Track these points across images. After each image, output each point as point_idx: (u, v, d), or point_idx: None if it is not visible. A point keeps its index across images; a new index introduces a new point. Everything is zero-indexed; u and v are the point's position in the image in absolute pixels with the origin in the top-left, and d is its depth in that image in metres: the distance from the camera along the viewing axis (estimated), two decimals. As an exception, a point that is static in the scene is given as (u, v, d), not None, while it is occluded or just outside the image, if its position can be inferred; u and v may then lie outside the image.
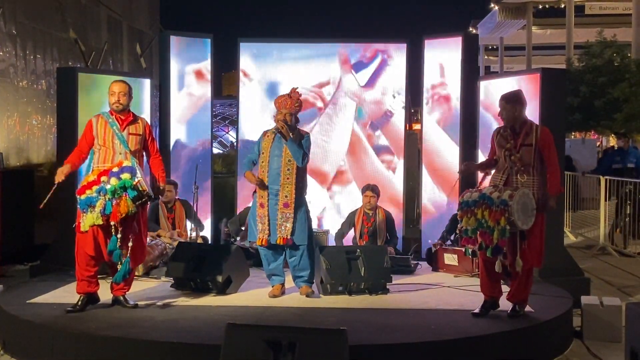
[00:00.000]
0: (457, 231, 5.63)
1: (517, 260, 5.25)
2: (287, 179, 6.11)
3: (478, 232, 5.28)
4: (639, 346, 4.15)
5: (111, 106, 5.57)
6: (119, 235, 5.34)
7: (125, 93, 5.57)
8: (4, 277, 7.74)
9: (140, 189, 5.32)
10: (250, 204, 8.14)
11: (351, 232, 7.88)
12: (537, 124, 5.59)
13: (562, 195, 6.86)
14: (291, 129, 6.11)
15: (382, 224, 7.69)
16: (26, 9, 11.70)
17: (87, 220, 5.26)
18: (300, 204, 6.18)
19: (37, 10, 12.18)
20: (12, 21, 11.19)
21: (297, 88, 6.25)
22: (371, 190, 7.68)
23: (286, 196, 6.10)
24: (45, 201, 5.38)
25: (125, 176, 5.26)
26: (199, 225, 7.84)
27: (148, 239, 6.48)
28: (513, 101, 5.49)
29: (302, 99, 6.26)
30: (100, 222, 5.26)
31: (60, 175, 5.38)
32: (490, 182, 5.56)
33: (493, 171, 5.64)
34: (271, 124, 6.40)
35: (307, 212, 6.28)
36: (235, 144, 10.03)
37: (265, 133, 6.29)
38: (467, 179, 7.26)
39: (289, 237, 6.07)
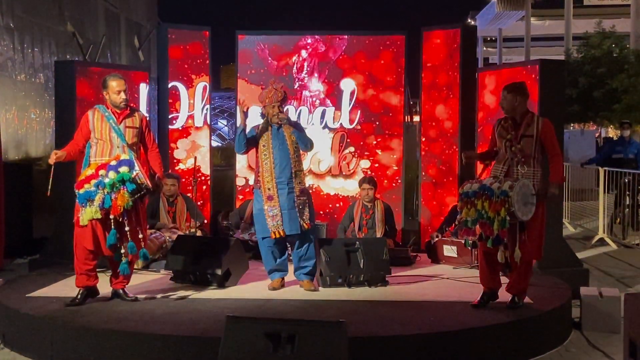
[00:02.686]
0: (457, 222, 5.62)
1: (516, 251, 5.26)
2: (298, 165, 6.15)
3: (478, 223, 5.28)
4: (637, 337, 4.15)
5: (117, 104, 5.52)
6: (127, 229, 5.33)
7: (127, 88, 5.56)
8: (4, 271, 7.75)
9: (139, 181, 5.32)
10: (245, 199, 8.22)
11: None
12: (538, 115, 5.56)
13: (562, 185, 6.86)
14: (288, 120, 6.15)
15: (380, 215, 7.69)
16: (23, 3, 11.65)
17: (86, 214, 5.25)
18: (308, 190, 6.26)
19: (34, 4, 12.14)
20: (9, 14, 11.14)
21: (275, 81, 6.26)
22: (368, 182, 7.67)
23: (300, 183, 6.13)
24: (50, 187, 5.35)
25: (124, 169, 5.26)
26: (199, 218, 7.83)
27: (148, 232, 6.49)
28: (514, 91, 5.47)
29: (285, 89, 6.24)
30: (99, 216, 5.26)
31: (52, 157, 5.36)
32: (491, 173, 5.55)
33: (493, 162, 5.63)
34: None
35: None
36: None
37: (257, 129, 6.20)
38: (467, 171, 7.26)
39: (309, 222, 6.10)
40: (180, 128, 8.13)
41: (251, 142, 6.16)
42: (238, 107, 6.05)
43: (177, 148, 8.12)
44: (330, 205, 8.33)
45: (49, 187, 5.35)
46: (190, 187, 7.61)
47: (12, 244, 8.47)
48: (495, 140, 5.61)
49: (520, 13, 35.96)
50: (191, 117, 8.17)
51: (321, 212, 8.18)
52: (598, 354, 5.23)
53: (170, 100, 8.02)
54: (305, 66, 8.02)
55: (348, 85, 8.25)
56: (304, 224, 6.07)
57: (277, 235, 6.04)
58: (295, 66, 8.12)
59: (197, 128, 8.26)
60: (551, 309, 5.43)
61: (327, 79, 8.27)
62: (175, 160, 8.06)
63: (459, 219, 5.48)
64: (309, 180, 8.10)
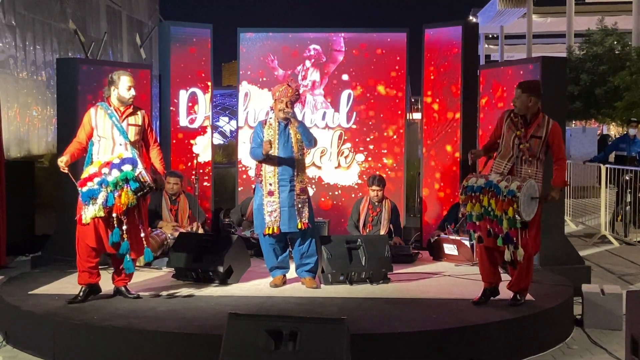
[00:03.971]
0: (460, 215, 5.61)
1: (518, 250, 5.25)
2: (301, 163, 6.15)
3: (483, 219, 5.27)
4: (639, 334, 4.15)
5: (126, 100, 5.51)
6: (124, 227, 5.35)
7: (135, 85, 5.59)
8: (6, 268, 7.77)
9: (142, 180, 5.32)
10: (246, 196, 8.24)
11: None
12: (549, 117, 5.48)
13: (563, 190, 6.85)
14: (294, 116, 6.16)
15: (387, 214, 7.70)
16: (25, 0, 11.67)
17: (89, 212, 5.26)
18: (307, 189, 6.28)
19: (36, 1, 12.15)
20: (11, 12, 11.16)
21: (293, 79, 6.29)
22: (377, 184, 7.66)
23: (301, 181, 6.14)
24: (78, 180, 5.36)
25: (127, 168, 5.26)
26: (200, 216, 7.85)
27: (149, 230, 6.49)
28: (529, 91, 5.38)
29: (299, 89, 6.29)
30: (102, 214, 5.26)
31: (61, 165, 5.36)
32: (493, 168, 5.51)
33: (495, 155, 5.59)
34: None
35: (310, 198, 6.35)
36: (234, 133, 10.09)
37: (264, 123, 6.22)
38: (468, 166, 7.24)
39: (307, 221, 6.11)
40: (198, 128, 8.62)
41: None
42: (264, 145, 6.03)
43: (196, 144, 8.58)
44: (330, 193, 8.67)
45: (77, 186, 5.37)
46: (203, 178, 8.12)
47: (15, 241, 8.48)
48: (500, 130, 5.52)
49: (522, 10, 35.94)
50: (207, 117, 8.70)
51: (322, 199, 8.57)
52: (600, 351, 5.23)
53: (190, 104, 8.52)
54: (309, 74, 8.65)
55: (345, 90, 8.65)
56: (302, 224, 6.08)
57: (271, 232, 6.06)
58: (300, 74, 8.63)
59: (212, 127, 8.87)
60: (553, 306, 5.43)
61: (327, 85, 8.68)
62: (194, 155, 8.48)
63: (462, 212, 5.46)
64: (312, 172, 8.47)
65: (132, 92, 5.52)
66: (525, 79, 6.39)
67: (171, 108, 8.39)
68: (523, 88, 5.42)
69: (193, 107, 8.54)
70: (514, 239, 5.20)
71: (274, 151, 6.07)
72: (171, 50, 8.37)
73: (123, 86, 5.50)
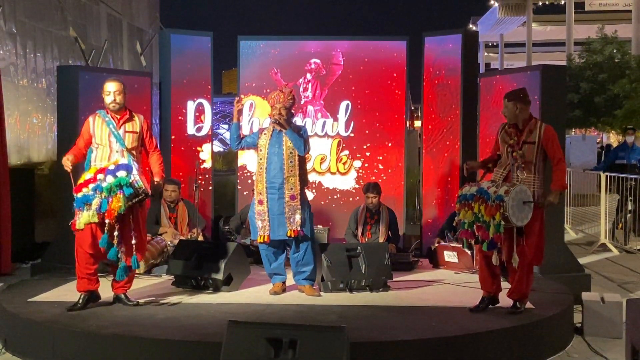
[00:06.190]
0: (454, 223, 5.65)
1: (513, 256, 5.26)
2: (291, 170, 6.09)
3: (475, 226, 5.29)
4: (639, 342, 4.15)
5: (107, 106, 5.56)
6: (115, 233, 5.35)
7: (121, 92, 5.56)
8: (6, 275, 7.76)
9: (137, 186, 5.31)
10: (250, 202, 8.27)
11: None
12: (542, 122, 5.54)
13: (563, 193, 6.85)
14: (288, 122, 6.13)
15: (385, 221, 7.71)
16: (26, 8, 11.67)
17: (83, 218, 5.26)
18: (304, 196, 6.19)
19: (37, 9, 12.15)
20: (11, 19, 11.16)
21: (287, 84, 6.31)
22: (372, 191, 7.69)
23: (291, 188, 6.08)
24: (75, 185, 5.36)
25: (121, 174, 5.27)
26: (200, 222, 7.85)
27: (148, 236, 6.49)
28: (515, 99, 5.46)
29: (294, 94, 6.29)
30: (96, 220, 5.26)
31: (66, 163, 5.41)
32: (491, 177, 5.56)
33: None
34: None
35: (310, 205, 6.29)
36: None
37: (261, 131, 6.28)
38: (469, 175, 7.25)
39: (298, 229, 6.06)
40: (204, 136, 8.77)
41: (251, 143, 6.26)
42: (234, 107, 6.21)
43: (202, 151, 8.73)
44: (329, 197, 8.80)
45: (75, 185, 5.38)
46: (202, 183, 8.28)
47: (15, 249, 8.47)
48: (499, 144, 5.62)
49: (522, 18, 36.07)
50: (211, 127, 8.92)
51: (322, 202, 8.68)
52: (600, 360, 5.23)
53: (196, 114, 8.67)
54: (310, 86, 8.87)
55: (344, 101, 8.79)
56: (291, 231, 6.05)
57: (262, 241, 6.07)
58: (301, 86, 8.81)
59: (212, 135, 9.05)
60: (553, 314, 5.43)
61: (327, 96, 8.83)
62: (200, 160, 8.60)
63: (456, 221, 5.51)
64: (312, 177, 8.53)
65: (112, 97, 5.53)
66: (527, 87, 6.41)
67: (179, 117, 8.48)
68: (509, 97, 5.51)
69: (200, 116, 8.67)
70: (498, 244, 5.21)
71: (264, 160, 6.09)
72: (172, 58, 8.39)
73: (104, 92, 5.56)
